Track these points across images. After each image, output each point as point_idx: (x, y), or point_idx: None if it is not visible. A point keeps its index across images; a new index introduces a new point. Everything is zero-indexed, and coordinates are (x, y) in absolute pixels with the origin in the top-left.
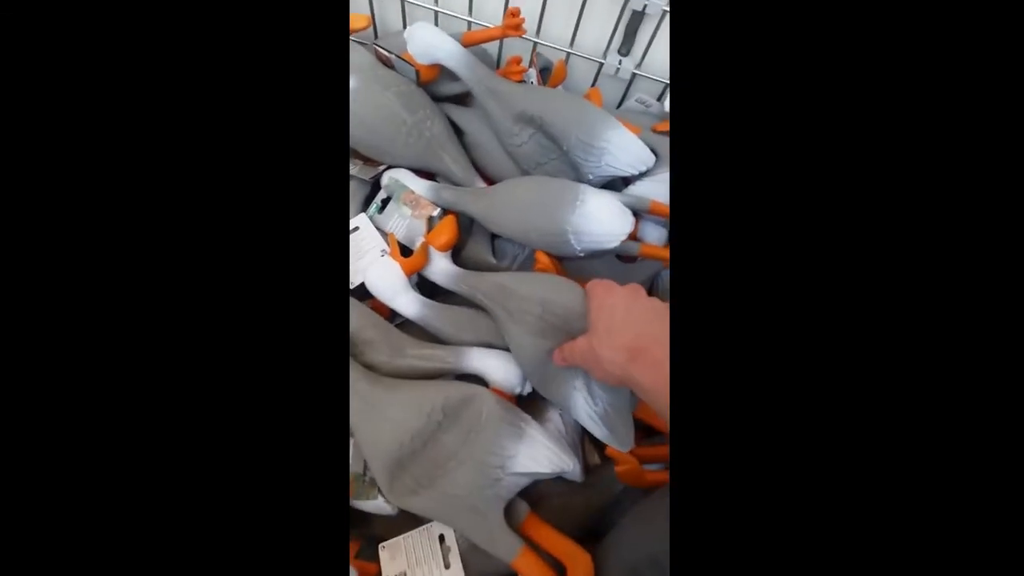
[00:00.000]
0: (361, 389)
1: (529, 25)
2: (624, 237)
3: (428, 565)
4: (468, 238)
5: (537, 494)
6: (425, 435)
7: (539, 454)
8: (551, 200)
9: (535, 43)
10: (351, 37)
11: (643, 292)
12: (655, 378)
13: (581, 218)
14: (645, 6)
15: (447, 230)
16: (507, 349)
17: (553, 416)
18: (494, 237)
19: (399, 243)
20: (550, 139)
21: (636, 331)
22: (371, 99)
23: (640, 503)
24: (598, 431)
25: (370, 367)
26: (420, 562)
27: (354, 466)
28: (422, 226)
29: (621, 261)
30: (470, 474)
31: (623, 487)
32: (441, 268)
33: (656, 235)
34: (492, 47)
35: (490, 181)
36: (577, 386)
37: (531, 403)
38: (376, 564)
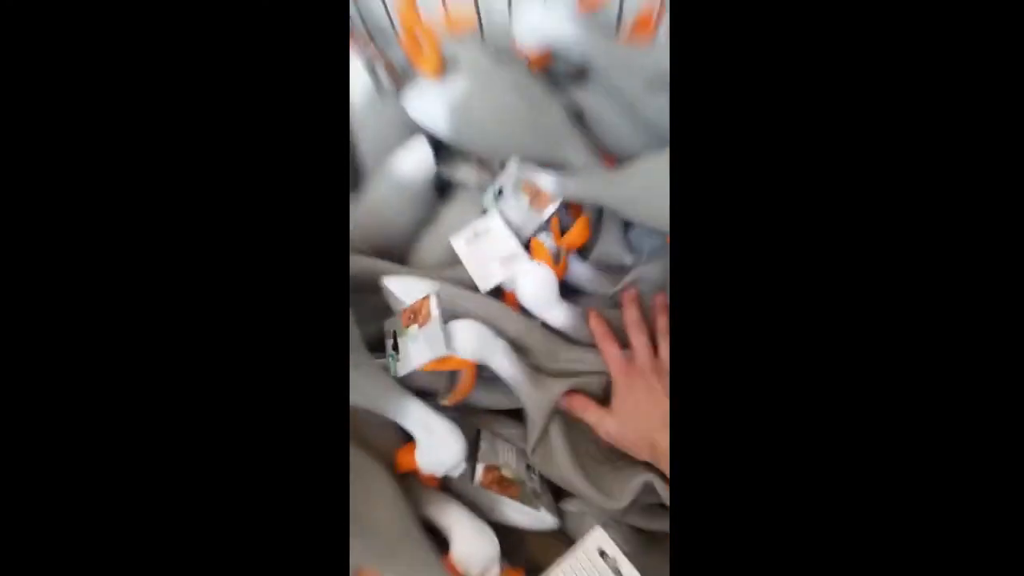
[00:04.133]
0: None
1: None
2: None
3: None
4: (596, 236)
5: None
6: None
7: None
8: None
9: None
10: (456, 38)
11: (651, 369)
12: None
13: None
14: None
15: (582, 231)
16: None
17: None
18: (626, 229)
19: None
20: None
21: (650, 424)
22: (489, 96)
23: None
24: None
25: None
26: None
27: (517, 470)
28: (536, 218)
29: None
30: None
31: None
32: (581, 271)
33: None
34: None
35: (613, 159)
36: None
37: None
38: None
